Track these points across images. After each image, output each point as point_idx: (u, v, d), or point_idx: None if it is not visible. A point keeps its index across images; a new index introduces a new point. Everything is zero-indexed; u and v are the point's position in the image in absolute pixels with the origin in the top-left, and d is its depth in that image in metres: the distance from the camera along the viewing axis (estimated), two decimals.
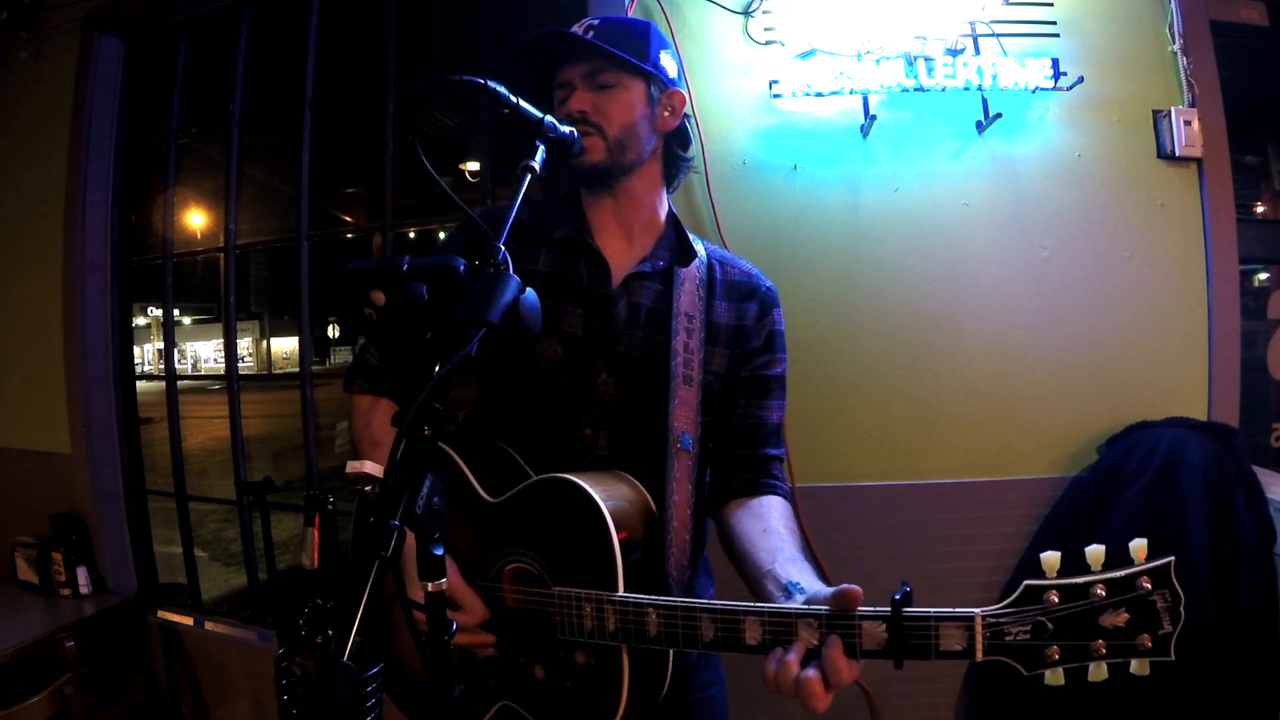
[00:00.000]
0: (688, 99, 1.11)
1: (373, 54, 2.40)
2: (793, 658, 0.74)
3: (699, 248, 1.12)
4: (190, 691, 2.59)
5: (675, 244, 1.10)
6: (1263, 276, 2.39)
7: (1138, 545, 0.67)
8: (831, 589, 0.76)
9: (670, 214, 1.13)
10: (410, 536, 0.60)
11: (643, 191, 1.08)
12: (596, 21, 1.02)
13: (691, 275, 1.07)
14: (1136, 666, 0.67)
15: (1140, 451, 1.72)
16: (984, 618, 0.69)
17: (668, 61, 1.08)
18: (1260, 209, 2.50)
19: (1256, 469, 1.68)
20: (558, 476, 0.94)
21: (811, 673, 0.73)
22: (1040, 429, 1.86)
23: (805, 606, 0.77)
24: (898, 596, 0.72)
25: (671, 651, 0.89)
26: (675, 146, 1.12)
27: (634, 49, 1.02)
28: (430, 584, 0.65)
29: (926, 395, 1.88)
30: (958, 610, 0.70)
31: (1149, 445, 1.72)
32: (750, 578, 0.93)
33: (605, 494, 0.91)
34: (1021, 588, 0.69)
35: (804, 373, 1.88)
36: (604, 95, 1.01)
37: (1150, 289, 1.87)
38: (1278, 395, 2.24)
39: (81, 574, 2.56)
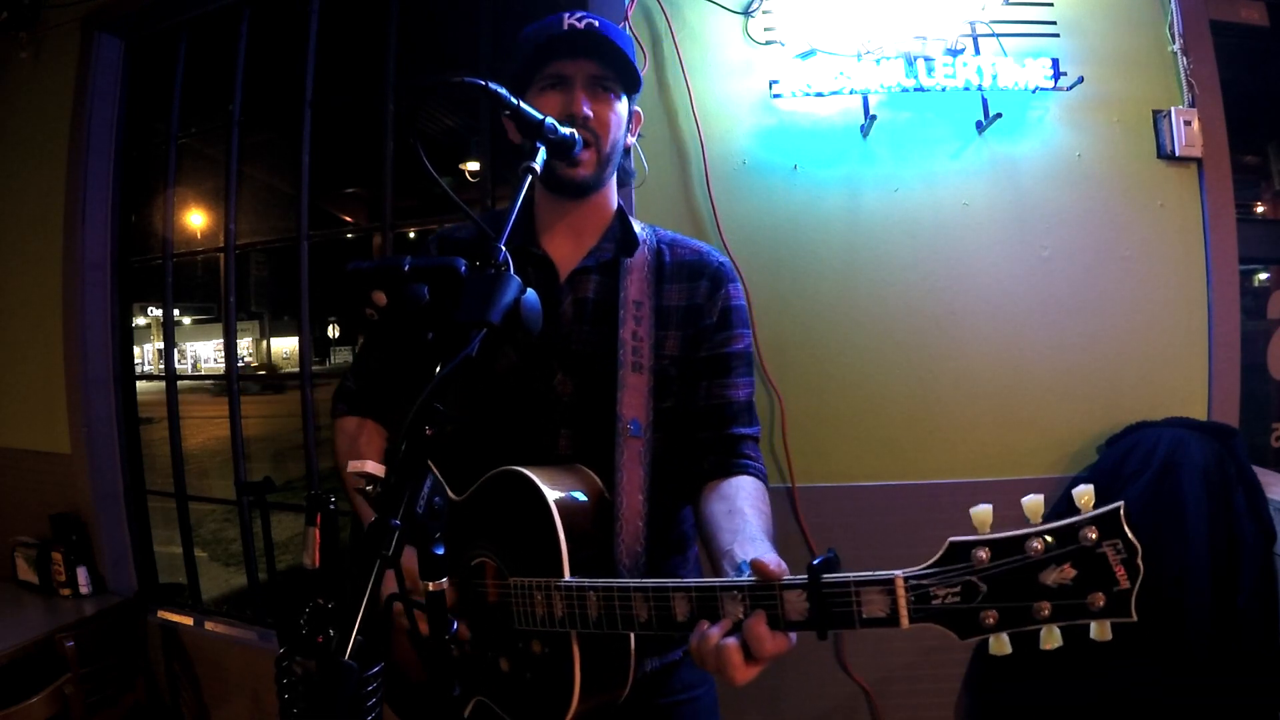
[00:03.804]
0: (642, 116, 1.12)
1: (373, 54, 2.40)
2: (715, 630, 0.73)
3: (644, 234, 1.11)
4: (190, 691, 2.59)
5: (620, 235, 1.09)
6: (1263, 276, 2.40)
7: (1082, 492, 0.59)
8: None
9: (618, 208, 1.12)
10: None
11: (603, 202, 1.09)
12: (598, 22, 1.00)
13: (639, 263, 1.06)
14: (1096, 630, 0.59)
15: (1140, 452, 1.73)
16: (905, 579, 0.65)
17: None
18: (1260, 209, 2.50)
19: (1256, 469, 1.68)
20: (507, 469, 0.94)
21: (730, 641, 0.71)
22: (1040, 429, 1.86)
23: (729, 580, 0.75)
24: (817, 562, 0.68)
25: (633, 641, 0.89)
26: (624, 160, 1.12)
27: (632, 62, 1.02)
28: (431, 584, 0.65)
29: (926, 395, 1.88)
30: (878, 573, 0.66)
31: (1149, 445, 1.72)
32: (714, 560, 0.92)
33: (552, 483, 0.91)
34: (945, 544, 0.64)
35: (804, 373, 1.88)
36: (602, 104, 1.00)
37: (1150, 289, 1.87)
38: (1278, 395, 2.24)
39: (81, 574, 2.56)
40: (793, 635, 0.71)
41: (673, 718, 1.07)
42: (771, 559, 0.72)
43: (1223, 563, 1.58)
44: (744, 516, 0.93)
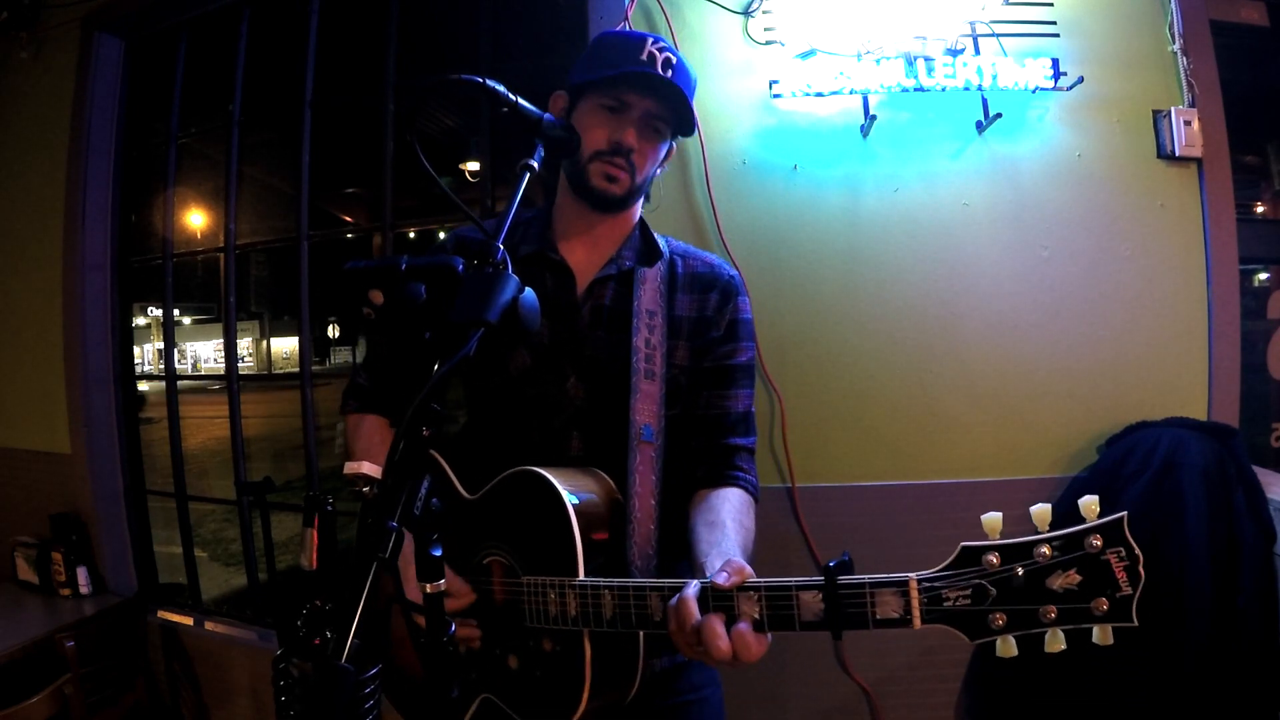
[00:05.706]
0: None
1: (373, 54, 2.40)
2: (717, 622, 0.75)
3: (663, 245, 1.14)
4: (190, 691, 2.59)
5: (641, 245, 1.13)
6: (1263, 276, 2.39)
7: (1088, 502, 0.62)
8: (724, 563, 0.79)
9: (639, 219, 1.16)
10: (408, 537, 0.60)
11: (627, 216, 1.12)
12: (675, 60, 1.02)
13: (653, 273, 1.09)
14: (1099, 634, 0.61)
15: (1140, 452, 1.72)
16: (919, 582, 0.67)
17: None
18: (1260, 209, 2.50)
19: (1256, 469, 1.68)
20: (523, 469, 0.96)
21: (745, 627, 0.74)
22: (1040, 429, 1.86)
23: (756, 580, 0.77)
24: (833, 564, 0.71)
25: (642, 640, 0.90)
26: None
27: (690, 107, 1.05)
28: (429, 585, 0.65)
29: (927, 395, 1.88)
30: (892, 575, 0.68)
31: (1149, 445, 1.72)
32: (693, 569, 0.95)
33: (569, 484, 0.93)
34: (958, 549, 0.66)
35: (804, 373, 1.88)
36: (648, 140, 1.05)
37: (1150, 289, 1.86)
38: (1278, 395, 2.24)
39: (81, 574, 2.56)
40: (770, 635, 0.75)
41: (680, 718, 1.08)
42: (731, 566, 0.77)
43: (1223, 563, 1.58)
44: (724, 530, 0.96)
